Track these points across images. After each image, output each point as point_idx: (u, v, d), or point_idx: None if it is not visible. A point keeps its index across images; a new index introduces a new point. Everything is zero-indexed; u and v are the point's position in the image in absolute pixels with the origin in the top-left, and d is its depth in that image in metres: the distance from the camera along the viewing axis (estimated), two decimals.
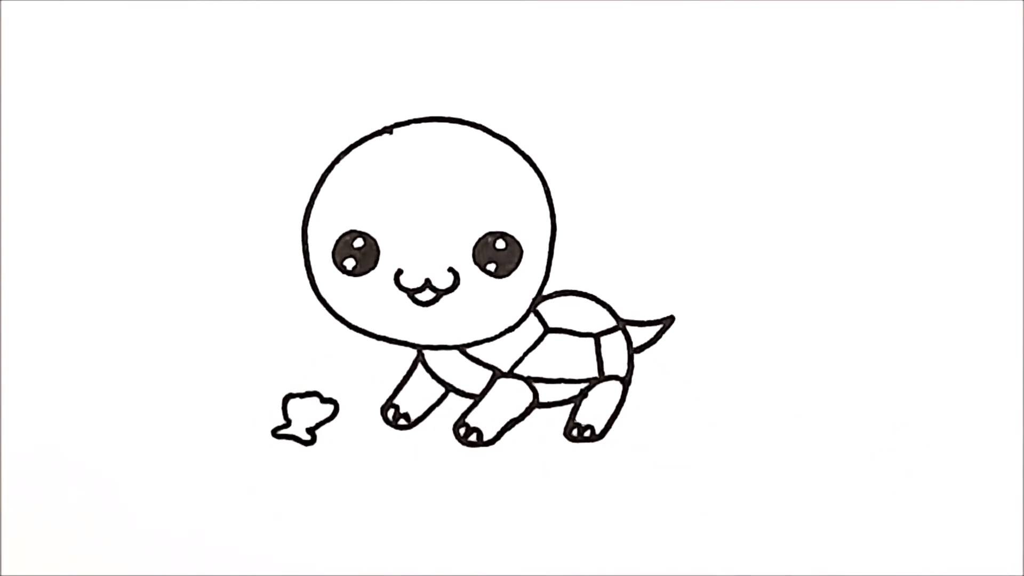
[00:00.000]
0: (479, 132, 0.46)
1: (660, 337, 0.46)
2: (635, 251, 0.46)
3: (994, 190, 0.46)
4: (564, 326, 0.46)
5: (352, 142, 0.46)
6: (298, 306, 0.45)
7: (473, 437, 0.46)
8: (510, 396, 0.46)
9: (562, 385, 0.46)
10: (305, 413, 0.46)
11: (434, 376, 0.46)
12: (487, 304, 0.46)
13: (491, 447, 0.46)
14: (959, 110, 0.46)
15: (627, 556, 0.47)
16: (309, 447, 0.46)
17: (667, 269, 0.46)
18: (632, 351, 0.46)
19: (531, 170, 0.46)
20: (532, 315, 0.46)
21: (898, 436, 0.47)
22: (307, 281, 0.46)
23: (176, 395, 0.45)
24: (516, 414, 0.46)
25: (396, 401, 0.46)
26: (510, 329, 0.46)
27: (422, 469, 0.46)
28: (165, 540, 0.45)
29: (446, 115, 0.46)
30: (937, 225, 0.46)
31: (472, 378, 0.46)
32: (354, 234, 0.45)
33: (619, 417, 0.46)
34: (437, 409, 0.46)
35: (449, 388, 0.46)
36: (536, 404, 0.46)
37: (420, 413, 0.46)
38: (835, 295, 0.46)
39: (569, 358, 0.46)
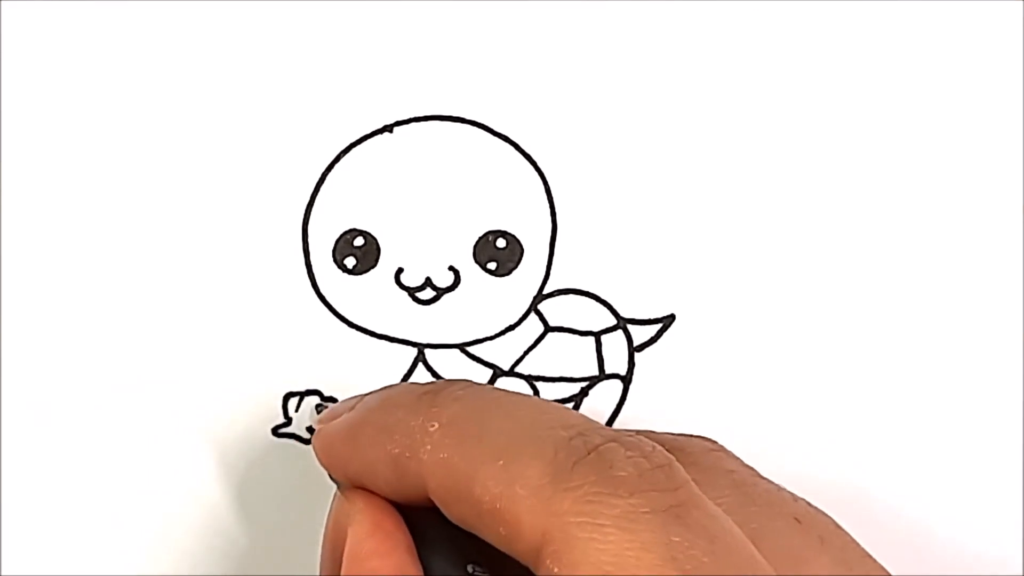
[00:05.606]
0: (479, 131, 0.46)
1: (661, 336, 0.46)
2: (635, 250, 0.46)
3: (994, 190, 0.46)
4: (565, 325, 0.46)
5: (352, 141, 0.46)
6: (298, 305, 0.45)
7: None
8: None
9: (563, 384, 0.46)
10: (306, 412, 0.46)
11: (435, 375, 0.46)
12: (488, 303, 0.46)
13: None
14: (959, 110, 0.46)
15: None
16: (309, 446, 0.46)
17: (667, 268, 0.46)
18: (632, 350, 0.46)
19: (532, 169, 0.46)
20: (533, 314, 0.46)
21: (899, 436, 0.47)
22: (307, 280, 0.45)
23: (176, 394, 0.45)
24: None
25: None
26: (511, 328, 0.46)
27: None
28: (164, 539, 0.45)
29: (446, 114, 0.46)
30: (938, 224, 0.46)
31: (473, 377, 0.46)
32: (354, 232, 0.45)
33: (619, 416, 0.46)
34: None
35: None
36: None
37: None
38: (837, 294, 0.46)
39: (570, 357, 0.46)
